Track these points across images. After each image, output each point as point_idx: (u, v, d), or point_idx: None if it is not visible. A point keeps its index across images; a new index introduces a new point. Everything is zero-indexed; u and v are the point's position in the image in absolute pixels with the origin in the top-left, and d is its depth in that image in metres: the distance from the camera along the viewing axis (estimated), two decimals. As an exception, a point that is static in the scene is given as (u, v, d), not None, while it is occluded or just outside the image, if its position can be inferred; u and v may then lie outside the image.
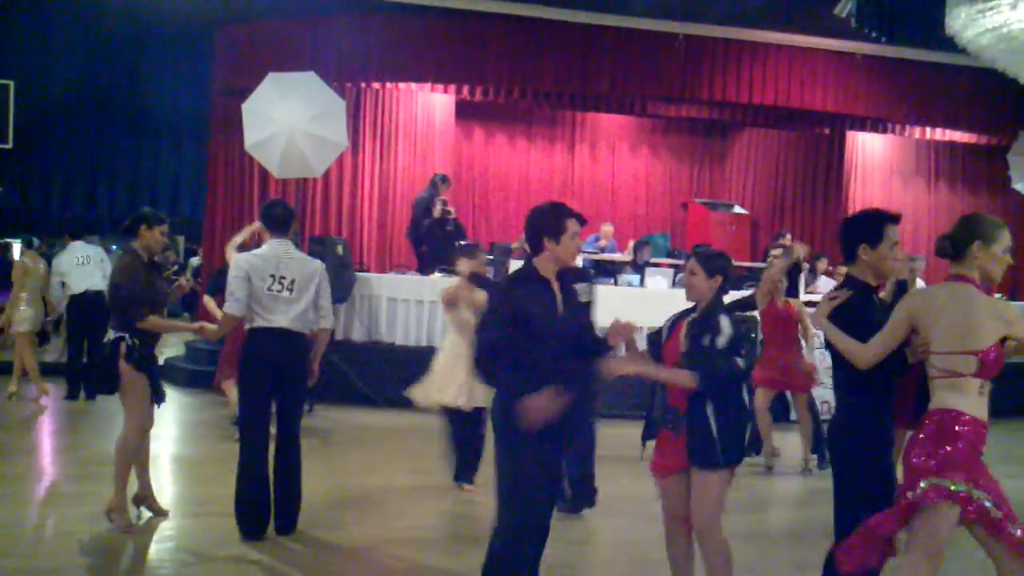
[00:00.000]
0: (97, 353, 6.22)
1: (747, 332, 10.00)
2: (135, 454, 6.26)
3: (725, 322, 4.53)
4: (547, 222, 4.48)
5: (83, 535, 5.98)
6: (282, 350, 6.02)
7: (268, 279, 6.01)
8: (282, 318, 6.01)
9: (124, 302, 6.15)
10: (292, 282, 6.05)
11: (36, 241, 14.59)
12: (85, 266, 10.95)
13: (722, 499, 4.51)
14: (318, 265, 6.28)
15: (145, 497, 6.43)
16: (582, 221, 4.55)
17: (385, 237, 14.02)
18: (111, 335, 6.15)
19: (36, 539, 6.18)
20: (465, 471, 7.49)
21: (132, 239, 6.34)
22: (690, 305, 4.73)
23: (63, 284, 11.04)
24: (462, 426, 7.38)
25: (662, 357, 4.62)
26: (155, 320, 6.21)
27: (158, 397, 6.33)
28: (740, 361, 4.51)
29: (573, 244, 4.50)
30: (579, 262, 10.20)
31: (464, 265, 7.50)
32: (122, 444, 6.19)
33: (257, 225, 6.16)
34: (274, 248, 6.15)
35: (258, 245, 6.93)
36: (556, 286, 4.51)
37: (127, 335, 6.10)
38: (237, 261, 6.19)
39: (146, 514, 6.39)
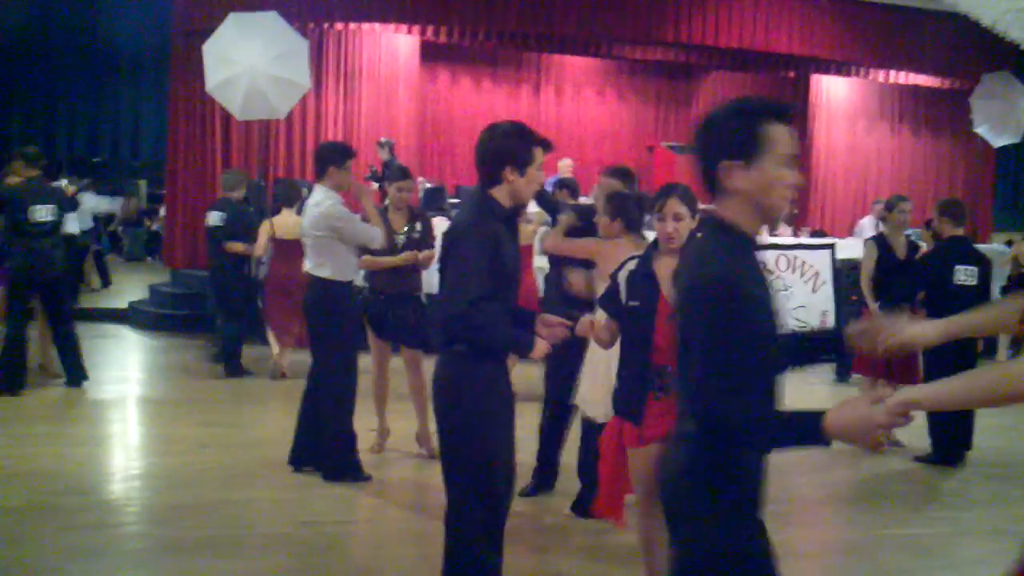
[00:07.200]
0: None
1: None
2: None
3: None
4: (512, 148, 3.59)
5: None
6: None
7: None
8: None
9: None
10: None
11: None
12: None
13: None
14: None
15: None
16: (548, 147, 3.69)
17: (350, 180, 13.91)
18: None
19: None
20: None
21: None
22: (637, 254, 3.97)
23: None
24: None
25: (632, 317, 3.82)
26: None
27: None
28: None
29: (537, 178, 3.67)
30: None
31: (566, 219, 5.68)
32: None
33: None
34: None
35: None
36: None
37: None
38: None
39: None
